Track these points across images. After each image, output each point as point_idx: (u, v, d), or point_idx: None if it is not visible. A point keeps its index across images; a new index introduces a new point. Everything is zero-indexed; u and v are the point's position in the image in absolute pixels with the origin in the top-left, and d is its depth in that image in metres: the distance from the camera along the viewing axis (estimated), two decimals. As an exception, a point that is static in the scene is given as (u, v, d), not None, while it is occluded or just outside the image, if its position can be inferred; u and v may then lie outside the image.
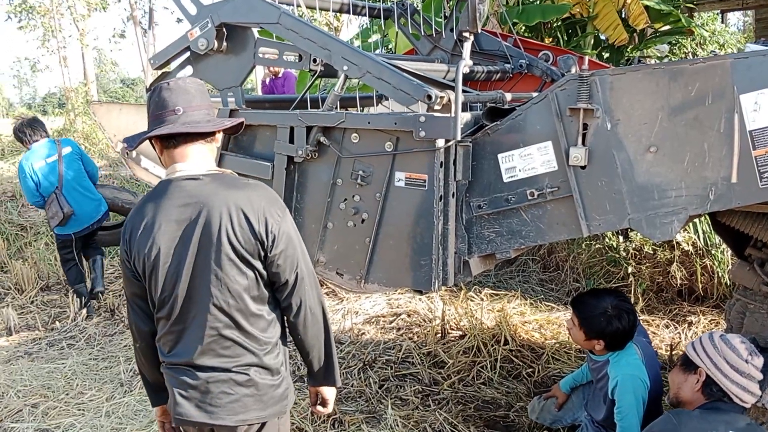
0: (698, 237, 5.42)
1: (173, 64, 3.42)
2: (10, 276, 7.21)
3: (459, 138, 2.65)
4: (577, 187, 2.63)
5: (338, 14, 8.30)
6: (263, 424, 2.21)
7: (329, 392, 2.41)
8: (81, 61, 27.60)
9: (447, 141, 2.69)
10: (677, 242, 5.48)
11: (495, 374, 4.45)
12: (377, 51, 9.13)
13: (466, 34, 2.80)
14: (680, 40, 11.75)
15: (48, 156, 5.98)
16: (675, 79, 2.42)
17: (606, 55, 8.82)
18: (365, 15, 4.25)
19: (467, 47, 2.88)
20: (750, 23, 18.70)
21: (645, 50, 9.89)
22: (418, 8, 4.56)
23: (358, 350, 5.00)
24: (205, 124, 2.14)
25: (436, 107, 2.68)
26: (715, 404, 2.42)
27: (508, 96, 3.23)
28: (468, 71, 3.55)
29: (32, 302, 6.70)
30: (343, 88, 2.97)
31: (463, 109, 3.46)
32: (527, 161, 2.73)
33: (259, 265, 2.12)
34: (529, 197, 2.73)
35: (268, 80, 10.87)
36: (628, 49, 8.97)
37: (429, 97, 2.64)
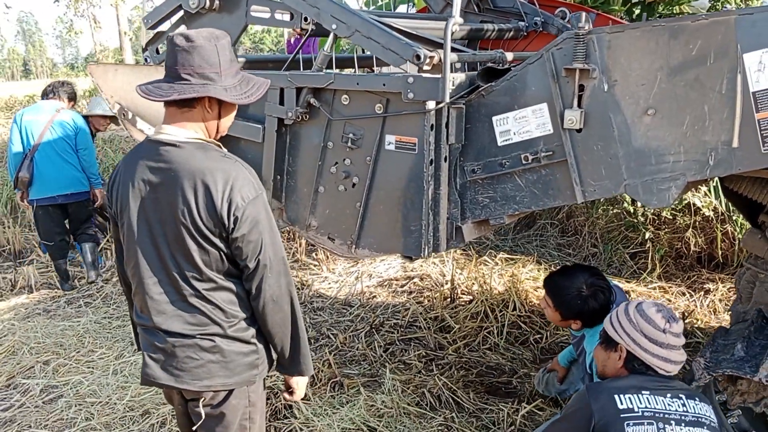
0: (720, 202, 5.24)
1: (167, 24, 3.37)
2: (36, 235, 7.34)
3: (448, 100, 2.56)
4: (572, 152, 2.53)
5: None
6: (230, 392, 2.18)
7: (295, 381, 2.36)
8: (116, 23, 27.73)
9: (438, 103, 2.59)
10: (697, 207, 5.31)
11: (501, 340, 4.40)
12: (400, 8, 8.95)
13: (457, -10, 2.69)
14: (724, -6, 11.28)
15: (41, 114, 5.82)
16: (675, 37, 2.28)
17: (637, 11, 8.50)
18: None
19: (457, 4, 2.76)
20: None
21: (679, 6, 9.51)
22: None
23: (367, 313, 4.98)
24: (160, 92, 2.02)
25: (426, 67, 2.58)
26: (630, 374, 2.35)
27: (509, 56, 3.12)
28: (460, 30, 3.41)
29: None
30: (332, 48, 2.87)
31: (461, 70, 3.35)
32: (522, 124, 2.63)
33: (220, 243, 2.06)
34: (524, 162, 2.63)
35: (293, 39, 10.78)
36: (660, 6, 8.62)
37: (417, 57, 2.55)
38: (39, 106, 5.99)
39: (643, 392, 2.19)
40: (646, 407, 2.14)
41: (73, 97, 6.20)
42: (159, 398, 3.83)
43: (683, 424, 2.13)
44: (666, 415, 2.14)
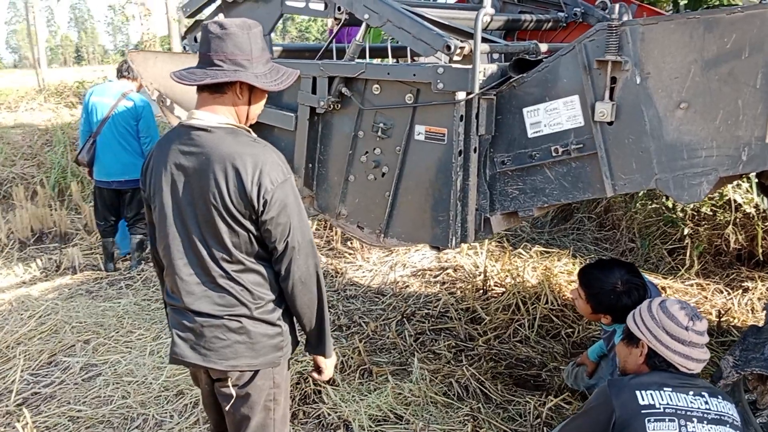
0: (762, 199, 5.11)
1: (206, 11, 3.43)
2: (82, 218, 7.55)
3: (477, 90, 2.56)
4: (603, 145, 2.51)
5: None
6: (256, 373, 2.23)
7: (323, 361, 2.40)
8: (165, 9, 28.12)
9: (468, 94, 2.60)
10: (738, 204, 5.19)
11: (532, 333, 4.38)
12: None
13: (489, -19, 2.68)
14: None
15: (108, 96, 5.87)
16: (710, 30, 2.24)
17: (683, 2, 8.31)
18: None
19: (489, -6, 2.76)
20: None
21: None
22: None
23: (399, 302, 5.01)
24: (192, 77, 2.08)
25: (456, 58, 2.59)
26: (652, 370, 2.32)
27: (543, 47, 3.09)
28: (493, 20, 3.40)
29: (99, 244, 6.98)
30: (364, 37, 2.89)
31: (494, 61, 3.34)
32: (553, 116, 2.61)
33: (250, 225, 2.10)
34: (554, 154, 2.62)
35: (335, 28, 10.81)
36: (710, -3, 8.41)
37: (448, 47, 2.55)
38: (107, 87, 6.01)
39: (665, 389, 2.17)
40: (668, 404, 2.12)
41: None
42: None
43: (705, 422, 2.11)
44: (688, 413, 2.11)
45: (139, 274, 5.98)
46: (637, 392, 2.16)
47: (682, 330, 2.25)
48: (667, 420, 2.10)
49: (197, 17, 3.45)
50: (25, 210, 7.44)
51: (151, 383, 3.95)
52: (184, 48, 3.51)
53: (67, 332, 4.71)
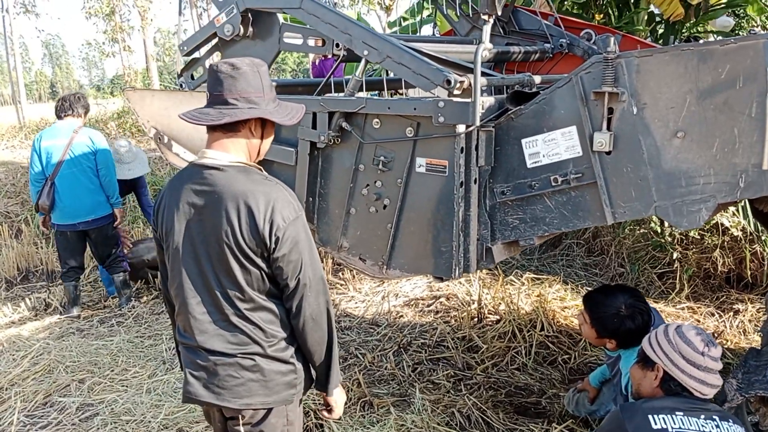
0: (748, 222, 5.21)
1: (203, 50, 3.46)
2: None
3: (478, 123, 2.61)
4: (602, 174, 2.56)
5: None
6: (269, 411, 2.23)
7: (332, 399, 2.39)
8: (143, 46, 28.37)
9: (467, 126, 2.64)
10: (726, 227, 5.28)
11: (530, 360, 4.39)
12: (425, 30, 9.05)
13: (485, 17, 2.74)
14: (748, 12, 11.20)
15: (59, 138, 5.66)
16: (704, 61, 2.31)
17: (660, 30, 8.51)
18: (398, -4, 4.19)
19: (486, 30, 2.82)
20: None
21: (704, 25, 9.49)
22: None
23: (395, 333, 5.01)
24: (208, 117, 2.11)
25: (456, 92, 2.64)
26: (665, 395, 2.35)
27: (537, 78, 3.16)
28: (488, 55, 3.47)
29: (89, 281, 6.92)
30: (364, 73, 2.94)
31: (489, 93, 3.40)
32: (551, 146, 2.66)
33: (262, 263, 2.12)
34: (553, 183, 2.66)
35: (318, 61, 10.90)
36: (685, 25, 8.63)
37: (448, 81, 2.60)
38: (56, 129, 5.77)
39: (677, 413, 2.19)
40: (680, 428, 2.15)
41: (88, 109, 6.04)
42: (192, 416, 3.88)
43: None
44: None
45: (129, 311, 5.93)
46: (650, 416, 2.18)
47: (698, 355, 2.28)
48: None
49: (193, 56, 3.48)
50: (10, 248, 7.37)
51: (149, 422, 3.90)
52: (181, 86, 3.54)
53: (61, 372, 4.65)
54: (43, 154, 5.65)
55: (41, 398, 4.27)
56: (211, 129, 2.15)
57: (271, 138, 2.30)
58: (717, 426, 2.18)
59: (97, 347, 5.11)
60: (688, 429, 2.15)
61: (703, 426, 2.16)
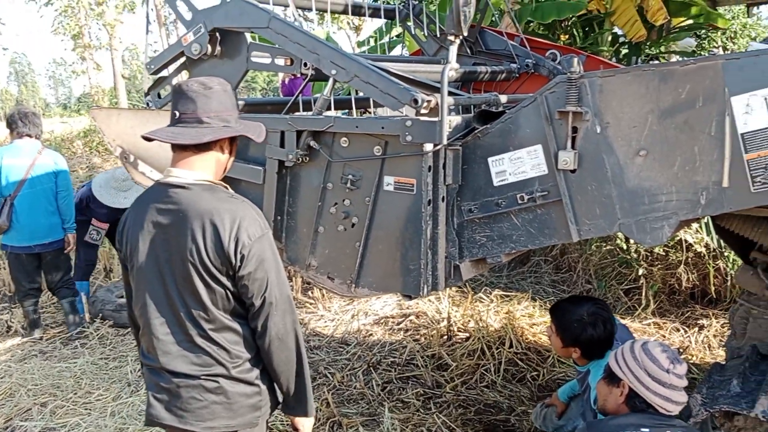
0: (711, 238, 5.31)
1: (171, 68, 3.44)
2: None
3: (445, 142, 2.63)
4: (567, 192, 2.59)
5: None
6: None
7: (302, 422, 2.36)
8: (111, 65, 28.18)
9: (435, 145, 2.66)
10: (689, 244, 5.38)
11: (499, 377, 4.41)
12: (394, 50, 9.11)
13: (452, 38, 2.77)
14: (710, 34, 11.50)
15: (22, 157, 5.51)
16: (665, 81, 2.36)
17: (624, 51, 8.69)
18: (366, 16, 4.23)
19: (453, 51, 2.84)
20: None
21: (667, 46, 9.71)
22: (432, 7, 4.53)
23: (364, 352, 4.99)
24: (184, 135, 2.11)
25: (423, 111, 2.65)
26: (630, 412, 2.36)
27: (503, 98, 3.20)
28: (454, 75, 3.51)
29: (52, 302, 6.78)
30: (332, 92, 2.95)
31: (457, 112, 3.43)
32: (517, 165, 2.69)
33: (227, 282, 2.10)
34: (520, 201, 2.69)
35: (287, 80, 10.91)
36: (648, 46, 8.82)
37: (415, 101, 2.62)
38: (18, 148, 5.58)
39: (643, 429, 2.21)
40: None
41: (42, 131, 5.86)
42: (157, 440, 3.81)
43: None
44: None
45: (95, 332, 5.82)
46: None
47: (663, 372, 2.30)
48: None
49: (161, 74, 3.46)
50: (-30, 270, 7.21)
51: (113, 445, 3.83)
52: (147, 104, 3.51)
53: (22, 395, 4.55)
54: (3, 172, 5.49)
55: (2, 423, 4.17)
56: (180, 148, 2.14)
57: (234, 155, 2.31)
58: None
59: (60, 370, 5.01)
60: None
61: None
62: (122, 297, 6.01)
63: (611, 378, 2.46)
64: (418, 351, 4.84)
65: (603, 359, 3.04)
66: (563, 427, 3.60)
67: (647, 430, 2.20)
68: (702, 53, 11.00)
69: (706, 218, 4.93)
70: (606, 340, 3.04)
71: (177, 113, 2.13)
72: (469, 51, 4.56)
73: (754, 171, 2.28)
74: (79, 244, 6.25)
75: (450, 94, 2.94)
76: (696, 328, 5.07)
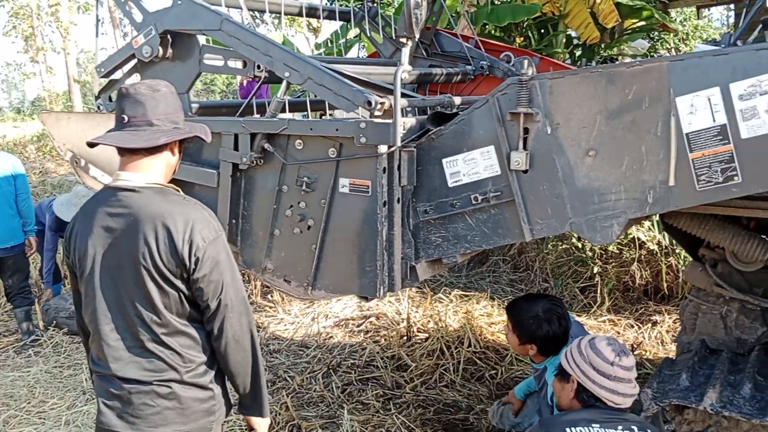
0: (663, 236, 5.43)
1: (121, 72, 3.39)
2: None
3: (400, 144, 2.64)
4: (520, 192, 2.62)
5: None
6: None
7: (258, 422, 2.36)
8: (65, 67, 27.67)
9: (389, 147, 2.67)
10: (642, 242, 5.49)
11: (458, 377, 4.45)
12: (352, 52, 9.12)
13: (404, 40, 2.78)
14: (662, 36, 11.75)
15: None
16: (612, 82, 2.40)
17: (578, 53, 8.84)
18: (321, 18, 4.22)
19: (406, 53, 2.86)
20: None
21: (619, 48, 9.90)
22: (389, 11, 4.55)
23: (324, 354, 4.98)
24: (136, 138, 2.09)
25: (377, 113, 2.66)
26: (583, 407, 2.41)
27: (457, 100, 3.22)
28: (408, 76, 3.53)
29: (4, 310, 6.62)
30: (285, 94, 2.94)
31: (410, 114, 3.45)
32: (471, 166, 2.72)
33: (181, 285, 2.09)
34: (474, 202, 2.71)
35: (245, 82, 10.84)
36: (601, 48, 8.99)
37: (369, 103, 2.63)
38: None
39: (594, 425, 2.24)
40: None
41: None
42: (113, 448, 3.75)
43: None
44: None
45: (49, 340, 5.70)
46: (567, 429, 2.23)
47: (607, 365, 2.35)
48: None
49: (111, 77, 3.40)
50: None
51: (68, 455, 3.76)
52: (98, 108, 3.45)
53: (-28, 407, 4.43)
54: None
55: (-49, 435, 4.06)
56: (129, 151, 2.12)
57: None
58: None
59: (13, 379, 4.91)
60: None
61: None
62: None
63: (562, 374, 2.50)
64: (378, 352, 4.85)
65: (559, 356, 3.09)
66: (519, 424, 3.65)
67: (598, 425, 2.24)
68: (655, 55, 11.23)
69: (657, 216, 5.04)
70: (561, 337, 3.09)
71: (125, 117, 2.10)
72: (424, 53, 4.59)
73: (698, 170, 2.34)
74: (41, 251, 6.23)
75: (404, 95, 2.97)
76: (649, 324, 5.18)
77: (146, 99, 2.09)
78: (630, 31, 9.29)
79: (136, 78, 3.27)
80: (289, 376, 4.63)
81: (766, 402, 2.72)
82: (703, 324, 3.44)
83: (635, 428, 2.29)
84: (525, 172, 2.59)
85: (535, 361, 3.26)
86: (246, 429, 2.44)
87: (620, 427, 2.26)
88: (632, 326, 5.23)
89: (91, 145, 2.12)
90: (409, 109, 3.51)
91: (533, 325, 3.11)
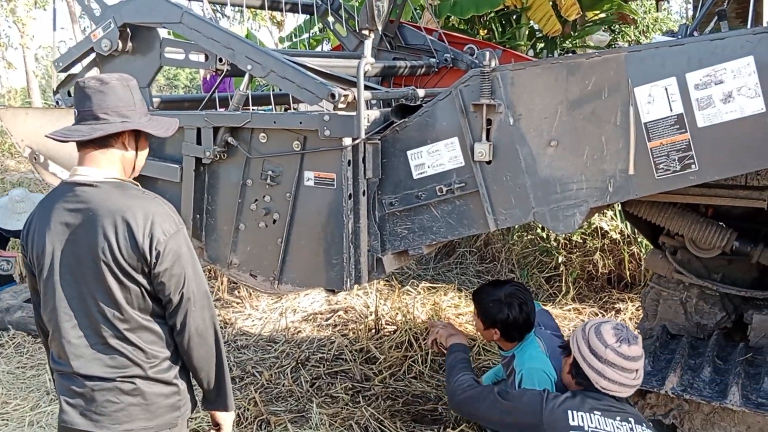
0: (626, 225, 5.52)
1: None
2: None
3: (364, 136, 2.64)
4: (483, 183, 2.64)
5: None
6: None
7: (222, 416, 2.34)
8: (23, 63, 27.11)
9: (354, 139, 2.67)
10: (605, 231, 5.58)
11: (426, 368, 4.47)
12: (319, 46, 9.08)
13: (366, 32, 2.79)
14: (623, 28, 11.89)
15: None
16: (572, 73, 2.44)
17: (541, 45, 8.91)
18: (284, 11, 4.20)
19: (368, 45, 2.87)
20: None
21: (581, 40, 10.01)
22: (353, 2, 4.54)
23: (292, 349, 4.97)
24: (80, 132, 2.06)
25: (341, 105, 2.66)
26: (587, 390, 2.45)
27: (421, 92, 3.24)
28: (371, 69, 3.53)
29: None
30: (248, 87, 2.92)
31: (375, 106, 3.45)
32: (435, 158, 2.73)
33: (142, 279, 2.07)
34: (438, 193, 2.73)
35: (209, 76, 10.71)
36: (563, 40, 9.07)
37: (332, 95, 2.62)
38: None
39: (595, 413, 2.31)
40: (596, 427, 2.25)
41: None
42: (78, 448, 3.70)
43: None
44: None
45: (10, 340, 5.59)
46: (569, 412, 2.30)
47: (601, 346, 2.39)
48: None
49: (70, 72, 3.34)
50: None
51: (32, 457, 3.70)
52: (57, 103, 3.39)
53: (-68, 410, 4.33)
54: None
55: None
56: (83, 145, 2.09)
57: (146, 152, 2.28)
58: (631, 429, 2.29)
59: (-26, 381, 4.80)
60: (604, 429, 2.25)
61: (618, 427, 2.27)
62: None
63: (565, 349, 2.61)
64: (346, 346, 4.86)
65: (526, 343, 3.13)
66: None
67: (599, 414, 2.30)
68: (614, 47, 11.36)
69: (619, 206, 5.13)
70: (523, 323, 3.10)
71: (77, 111, 2.08)
72: (388, 46, 4.58)
73: (657, 158, 2.39)
74: None
75: (367, 88, 2.97)
76: (613, 312, 5.27)
77: (93, 93, 2.06)
78: (591, 24, 9.39)
79: (95, 72, 3.22)
80: (257, 372, 4.61)
81: (726, 385, 2.80)
82: (664, 310, 3.51)
83: (632, 420, 2.33)
84: (488, 163, 2.62)
85: (503, 349, 3.29)
86: (211, 425, 2.42)
87: (618, 418, 2.31)
88: (596, 314, 5.31)
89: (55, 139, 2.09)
90: (373, 101, 3.50)
91: (494, 309, 3.14)
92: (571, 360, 2.50)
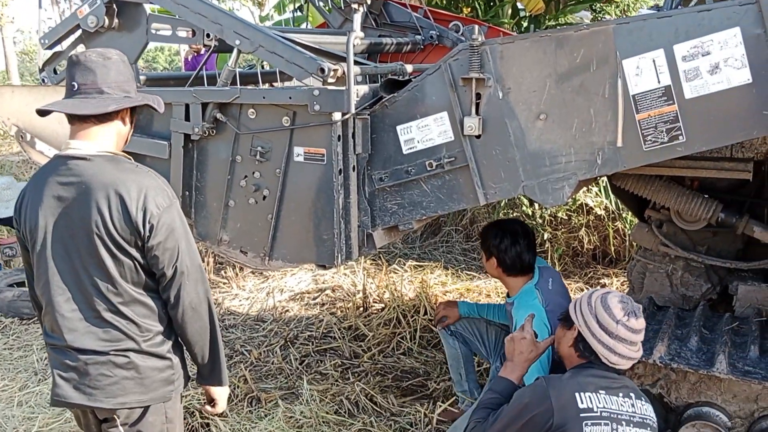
0: (610, 201, 5.57)
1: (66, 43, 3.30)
2: None
3: (354, 111, 2.64)
4: (473, 157, 2.66)
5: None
6: (146, 409, 2.17)
7: (217, 392, 2.36)
8: (2, 46, 26.68)
9: (343, 114, 2.67)
10: (590, 207, 5.63)
11: (414, 344, 4.51)
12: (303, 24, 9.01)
13: (356, 6, 2.78)
14: (604, 7, 11.91)
15: None
16: (561, 46, 2.45)
17: (524, 24, 8.91)
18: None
19: (357, 19, 2.86)
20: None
21: (563, 18, 10.01)
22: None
23: (281, 327, 4.99)
24: (86, 105, 2.05)
25: (330, 80, 2.66)
26: (588, 364, 2.40)
27: (409, 68, 3.23)
28: (360, 44, 3.53)
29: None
30: (237, 63, 2.91)
31: (363, 82, 3.45)
32: (425, 132, 2.74)
33: (136, 253, 2.07)
34: (428, 168, 2.74)
35: (190, 57, 10.62)
36: (546, 18, 9.07)
37: (322, 70, 2.62)
38: None
39: (600, 392, 2.27)
40: (603, 407, 2.23)
41: None
42: (68, 427, 3.71)
43: (632, 425, 2.24)
44: (618, 416, 2.23)
45: (-3, 323, 5.57)
46: (577, 395, 2.24)
47: (612, 322, 2.32)
48: (602, 423, 2.20)
49: (55, 49, 3.31)
50: None
51: (23, 436, 3.70)
52: (43, 80, 3.36)
53: None
54: None
55: None
56: (80, 119, 2.08)
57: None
58: (632, 405, 2.28)
59: (-39, 363, 4.78)
60: (610, 408, 2.22)
61: (621, 404, 2.25)
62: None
63: (566, 321, 2.51)
64: (334, 324, 4.88)
65: (525, 291, 3.17)
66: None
67: (604, 392, 2.27)
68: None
69: (604, 182, 5.17)
70: (520, 256, 3.18)
71: (75, 84, 2.06)
72: (374, 23, 4.57)
73: (645, 130, 2.41)
74: None
75: (356, 63, 2.97)
76: (598, 287, 5.32)
77: (97, 66, 2.05)
78: (574, 2, 9.39)
79: (81, 49, 3.19)
80: (246, 350, 4.63)
81: (712, 354, 2.84)
82: (651, 282, 3.56)
83: (632, 395, 2.32)
84: (478, 137, 2.63)
85: (509, 294, 3.31)
86: (205, 400, 2.44)
87: (621, 394, 2.29)
88: (582, 290, 5.37)
89: (42, 113, 2.07)
90: (361, 77, 3.50)
91: (490, 234, 3.28)
92: (576, 334, 2.41)
